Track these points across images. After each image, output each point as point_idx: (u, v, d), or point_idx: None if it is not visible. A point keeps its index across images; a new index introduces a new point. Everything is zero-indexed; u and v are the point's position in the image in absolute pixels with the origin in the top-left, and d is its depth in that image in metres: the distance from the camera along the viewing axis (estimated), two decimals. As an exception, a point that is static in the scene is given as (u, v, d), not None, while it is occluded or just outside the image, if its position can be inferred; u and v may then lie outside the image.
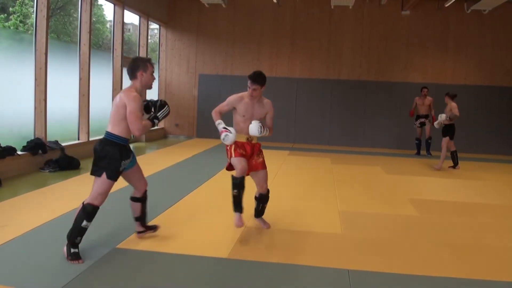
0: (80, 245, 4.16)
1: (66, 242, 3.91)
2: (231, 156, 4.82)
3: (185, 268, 3.88)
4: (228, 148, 4.89)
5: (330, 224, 5.39)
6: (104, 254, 4.05)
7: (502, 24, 13.56)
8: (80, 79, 9.68)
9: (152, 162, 9.51)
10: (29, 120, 8.25)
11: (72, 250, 3.89)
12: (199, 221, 5.35)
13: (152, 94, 14.22)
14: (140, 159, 9.94)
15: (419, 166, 10.51)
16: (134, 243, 4.40)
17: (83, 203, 4.02)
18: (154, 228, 4.71)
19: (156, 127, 14.42)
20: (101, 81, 10.77)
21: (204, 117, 14.47)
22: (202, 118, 14.54)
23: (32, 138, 8.22)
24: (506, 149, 13.47)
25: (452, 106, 9.75)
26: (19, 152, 7.65)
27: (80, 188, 6.76)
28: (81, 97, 9.72)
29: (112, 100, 5.29)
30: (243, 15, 14.37)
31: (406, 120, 13.06)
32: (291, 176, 8.25)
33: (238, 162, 4.75)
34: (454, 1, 12.06)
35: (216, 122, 4.97)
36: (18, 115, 8.19)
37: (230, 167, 4.97)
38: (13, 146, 7.52)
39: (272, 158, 10.35)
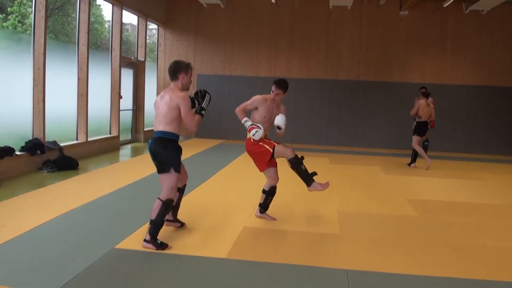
0: (78, 246, 4.19)
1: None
2: (273, 146, 5.14)
3: (184, 268, 3.88)
4: (261, 144, 5.21)
5: (328, 224, 5.39)
6: (103, 254, 4.04)
7: (501, 24, 13.58)
8: (78, 79, 9.67)
9: (150, 162, 9.46)
10: (27, 120, 8.24)
11: (159, 241, 4.29)
12: (198, 221, 5.34)
13: (150, 94, 14.22)
14: (138, 160, 10.04)
15: (418, 165, 10.50)
16: (133, 243, 4.39)
17: (161, 200, 4.39)
18: (181, 223, 5.03)
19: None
20: (100, 81, 10.75)
21: (203, 117, 14.46)
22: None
23: (31, 138, 8.21)
24: (505, 149, 13.50)
25: (419, 103, 10.08)
26: (17, 152, 7.64)
27: (78, 188, 6.75)
28: (79, 97, 9.71)
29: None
30: (241, 15, 14.37)
31: (405, 120, 13.06)
32: (289, 176, 8.24)
33: (284, 146, 5.16)
34: (452, 1, 12.07)
35: (243, 120, 5.30)
36: (17, 115, 8.18)
37: (268, 164, 5.27)
38: (12, 146, 7.51)
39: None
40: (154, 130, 4.58)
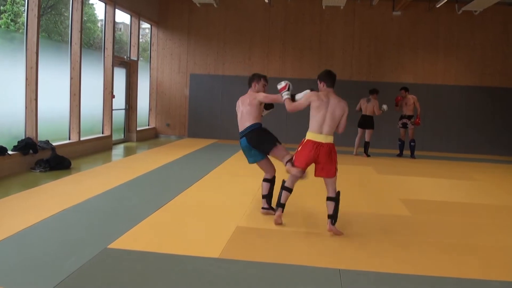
0: (71, 246, 4.19)
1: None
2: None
3: (177, 268, 3.88)
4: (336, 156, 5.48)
5: (321, 224, 5.39)
6: (96, 254, 4.03)
7: (493, 25, 13.67)
8: (71, 78, 9.63)
9: (143, 162, 9.48)
10: (19, 119, 8.20)
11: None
12: (191, 221, 5.35)
13: (142, 94, 14.20)
14: (131, 159, 10.03)
15: (411, 166, 10.56)
16: (126, 243, 4.39)
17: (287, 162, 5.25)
18: (274, 209, 5.50)
19: (147, 127, 14.42)
20: (92, 80, 10.71)
21: (196, 117, 14.47)
22: (193, 118, 14.53)
23: (23, 137, 8.17)
24: (496, 150, 13.57)
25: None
26: (9, 152, 7.60)
27: (71, 188, 6.73)
28: (72, 97, 9.67)
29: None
30: (234, 15, 14.37)
31: (398, 120, 13.09)
32: (282, 176, 8.25)
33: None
34: (445, 2, 12.12)
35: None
36: (9, 114, 8.13)
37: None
38: (4, 145, 7.48)
39: (280, 162, 10.31)
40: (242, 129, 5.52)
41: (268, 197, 5.72)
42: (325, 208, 5.12)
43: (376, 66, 14.06)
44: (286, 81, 5.41)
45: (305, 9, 14.14)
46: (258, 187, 7.25)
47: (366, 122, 11.71)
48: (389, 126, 13.07)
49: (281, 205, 5.24)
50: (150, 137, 14.42)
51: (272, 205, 5.69)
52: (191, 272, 3.81)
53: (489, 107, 13.75)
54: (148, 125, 14.80)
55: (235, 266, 3.98)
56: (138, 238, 4.57)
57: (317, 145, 5.08)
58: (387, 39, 14.02)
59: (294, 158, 5.22)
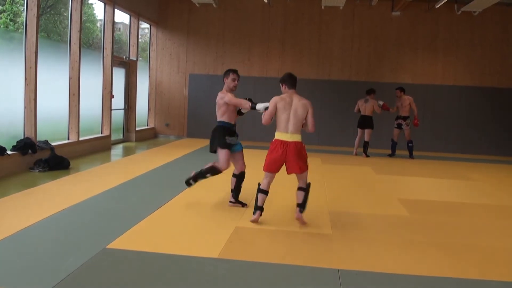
0: (69, 246, 4.19)
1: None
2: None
3: (176, 268, 3.88)
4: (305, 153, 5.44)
5: (320, 224, 5.41)
6: (94, 254, 4.03)
7: (492, 26, 13.68)
8: (70, 78, 9.63)
9: (142, 162, 9.49)
10: (19, 119, 8.19)
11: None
12: (190, 221, 5.35)
13: (141, 94, 14.20)
14: (130, 159, 10.03)
15: (409, 166, 10.57)
16: (125, 243, 4.39)
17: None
18: (244, 204, 5.98)
19: (146, 127, 14.41)
20: (91, 80, 10.71)
21: (195, 117, 14.47)
22: (192, 118, 14.53)
23: (22, 137, 8.17)
24: (495, 150, 13.59)
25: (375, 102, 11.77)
26: (8, 152, 7.60)
27: (70, 188, 6.73)
28: (71, 97, 9.66)
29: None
30: (234, 15, 14.37)
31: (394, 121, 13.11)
32: (281, 176, 8.25)
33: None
34: (444, 3, 12.13)
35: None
36: (8, 114, 8.13)
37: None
38: (3, 145, 7.47)
39: (262, 158, 10.29)
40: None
41: (234, 191, 6.04)
42: (325, 208, 5.13)
43: (375, 66, 14.07)
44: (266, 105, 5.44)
45: (305, 9, 14.14)
46: (256, 187, 7.26)
47: (365, 122, 11.73)
48: (389, 127, 13.05)
49: (259, 208, 5.37)
50: (149, 137, 14.41)
51: (241, 200, 6.07)
52: (190, 272, 3.81)
53: (488, 107, 13.75)
54: (147, 125, 14.79)
55: (234, 266, 3.97)
56: (137, 238, 4.57)
57: (284, 143, 5.26)
58: (386, 40, 14.02)
59: (264, 164, 5.42)
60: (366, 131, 11.76)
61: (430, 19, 13.84)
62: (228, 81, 5.87)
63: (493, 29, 13.71)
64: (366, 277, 3.88)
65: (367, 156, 11.74)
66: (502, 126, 13.72)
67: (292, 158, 5.24)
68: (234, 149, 5.96)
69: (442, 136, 13.89)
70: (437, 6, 12.62)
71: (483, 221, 6.00)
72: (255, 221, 5.30)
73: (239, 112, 6.05)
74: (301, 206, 5.29)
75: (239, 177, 6.01)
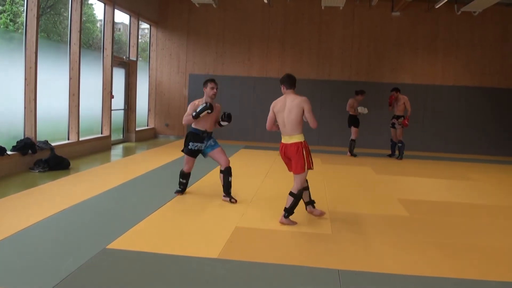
0: (69, 246, 4.18)
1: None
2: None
3: (176, 268, 3.88)
4: (305, 153, 5.52)
5: (320, 224, 5.41)
6: (94, 254, 4.03)
7: (492, 26, 13.68)
8: (70, 78, 9.63)
9: (141, 162, 9.48)
10: (18, 119, 8.20)
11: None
12: (189, 221, 5.35)
13: (141, 94, 14.19)
14: (130, 159, 10.04)
15: (409, 166, 10.57)
16: (125, 243, 4.39)
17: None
18: (232, 201, 6.16)
19: (146, 127, 14.41)
20: (91, 80, 10.71)
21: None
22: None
23: (22, 137, 8.17)
24: (495, 150, 13.59)
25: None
26: (8, 152, 7.60)
27: (70, 188, 6.73)
28: (71, 97, 9.67)
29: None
30: (233, 15, 14.37)
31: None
32: (280, 176, 8.26)
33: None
34: (444, 3, 12.12)
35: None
36: (8, 114, 8.13)
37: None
38: (3, 146, 7.47)
39: (262, 158, 10.39)
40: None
41: (224, 186, 6.29)
42: (325, 208, 5.13)
43: (375, 66, 14.07)
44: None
45: (304, 9, 14.14)
46: (257, 187, 7.26)
47: (348, 120, 12.01)
48: (388, 127, 13.05)
49: (309, 203, 5.73)
50: (149, 137, 14.41)
51: (232, 196, 6.27)
52: (190, 272, 3.81)
53: (488, 107, 13.75)
54: (147, 125, 14.79)
55: (234, 266, 3.98)
56: (137, 239, 4.57)
57: (283, 146, 5.45)
58: (386, 40, 14.02)
59: None
60: (351, 129, 11.94)
61: (430, 19, 13.84)
62: (207, 90, 6.18)
63: (493, 29, 13.72)
64: (366, 277, 3.89)
65: (354, 155, 11.88)
66: (502, 126, 13.72)
67: (290, 159, 5.43)
68: (205, 151, 6.39)
69: (442, 136, 13.88)
70: (437, 6, 12.62)
71: (483, 221, 6.00)
72: (321, 214, 5.66)
73: (219, 124, 6.47)
74: (286, 210, 5.32)
75: (226, 173, 6.24)
